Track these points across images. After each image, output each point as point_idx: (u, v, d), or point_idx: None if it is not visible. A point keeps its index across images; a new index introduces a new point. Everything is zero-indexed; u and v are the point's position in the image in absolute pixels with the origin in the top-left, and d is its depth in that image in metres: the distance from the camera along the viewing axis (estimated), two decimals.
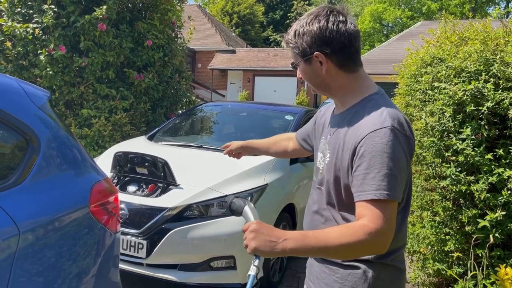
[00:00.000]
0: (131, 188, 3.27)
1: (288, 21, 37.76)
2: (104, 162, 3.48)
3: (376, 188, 1.13)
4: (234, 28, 32.67)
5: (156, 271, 3.02)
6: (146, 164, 3.26)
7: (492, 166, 2.64)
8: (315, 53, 1.29)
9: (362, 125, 1.23)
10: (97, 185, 1.93)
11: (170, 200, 3.06)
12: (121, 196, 2.97)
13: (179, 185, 3.16)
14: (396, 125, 1.19)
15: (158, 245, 2.95)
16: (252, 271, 1.20)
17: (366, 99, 1.31)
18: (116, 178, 3.36)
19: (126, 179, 3.36)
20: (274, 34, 36.32)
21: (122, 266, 2.80)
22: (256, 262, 1.21)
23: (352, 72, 1.33)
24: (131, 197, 3.15)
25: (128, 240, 2.99)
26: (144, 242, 2.97)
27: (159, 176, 3.21)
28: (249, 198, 3.16)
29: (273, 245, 1.11)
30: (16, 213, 1.47)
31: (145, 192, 3.21)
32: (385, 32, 41.15)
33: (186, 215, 3.04)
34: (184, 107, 6.74)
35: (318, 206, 1.42)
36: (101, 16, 5.02)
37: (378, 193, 1.13)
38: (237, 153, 1.94)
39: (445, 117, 2.79)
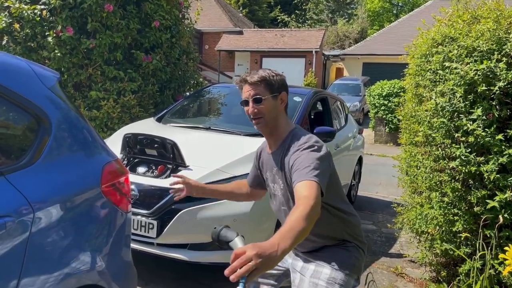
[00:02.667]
0: (141, 169, 3.30)
1: (295, 1, 37.19)
2: (114, 143, 3.51)
3: (308, 175, 1.51)
4: (241, 9, 32.24)
5: (166, 250, 3.07)
6: (155, 145, 3.28)
7: (503, 147, 2.62)
8: (283, 92, 1.77)
9: (291, 151, 1.68)
10: (108, 165, 1.95)
11: None
12: (131, 177, 2.99)
13: (188, 166, 3.19)
14: (310, 143, 1.65)
15: (168, 225, 2.99)
16: None
17: (290, 134, 1.76)
18: (125, 159, 3.39)
19: (136, 160, 3.39)
20: (282, 14, 35.81)
21: (133, 245, 2.85)
22: None
23: (286, 113, 1.82)
24: (141, 178, 3.18)
25: (138, 220, 3.04)
26: (155, 222, 3.01)
27: (168, 157, 3.23)
28: None
29: (275, 253, 1.20)
30: (29, 193, 1.49)
31: (154, 173, 3.24)
32: (394, 12, 40.35)
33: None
34: (191, 88, 6.72)
35: None
36: None
37: (309, 177, 1.50)
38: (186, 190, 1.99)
39: (456, 98, 2.76)
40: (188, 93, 6.34)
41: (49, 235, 1.56)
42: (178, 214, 2.99)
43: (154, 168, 3.29)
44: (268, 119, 1.74)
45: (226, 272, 1.14)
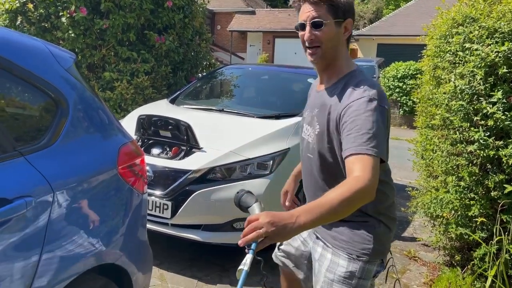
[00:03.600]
0: (155, 150, 3.32)
1: None
2: (128, 125, 3.52)
3: (365, 146, 1.29)
4: None
5: (180, 231, 3.11)
6: (170, 127, 3.29)
7: None
8: (349, 19, 1.46)
9: (345, 96, 1.42)
10: (124, 147, 1.96)
11: (194, 162, 3.11)
12: (146, 159, 3.02)
13: (202, 148, 3.19)
14: (373, 96, 1.37)
15: (183, 206, 3.02)
16: (246, 266, 1.14)
17: (349, 74, 1.50)
18: (140, 141, 3.41)
19: (150, 141, 3.41)
20: None
21: (148, 226, 2.88)
22: (249, 256, 1.15)
23: (348, 48, 1.55)
24: (155, 160, 3.21)
25: (153, 201, 3.07)
26: (169, 203, 3.04)
27: (182, 139, 3.24)
28: (271, 162, 3.17)
29: (291, 225, 1.14)
30: (49, 174, 1.51)
31: (169, 154, 3.26)
32: None
33: (209, 177, 3.08)
34: (204, 70, 6.70)
35: (313, 171, 1.61)
36: None
37: (366, 149, 1.28)
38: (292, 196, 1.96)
39: (476, 80, 2.70)
40: (200, 75, 6.32)
41: (68, 215, 1.59)
42: (192, 195, 3.01)
43: (168, 149, 3.31)
44: (325, 50, 1.46)
45: (239, 240, 1.14)
